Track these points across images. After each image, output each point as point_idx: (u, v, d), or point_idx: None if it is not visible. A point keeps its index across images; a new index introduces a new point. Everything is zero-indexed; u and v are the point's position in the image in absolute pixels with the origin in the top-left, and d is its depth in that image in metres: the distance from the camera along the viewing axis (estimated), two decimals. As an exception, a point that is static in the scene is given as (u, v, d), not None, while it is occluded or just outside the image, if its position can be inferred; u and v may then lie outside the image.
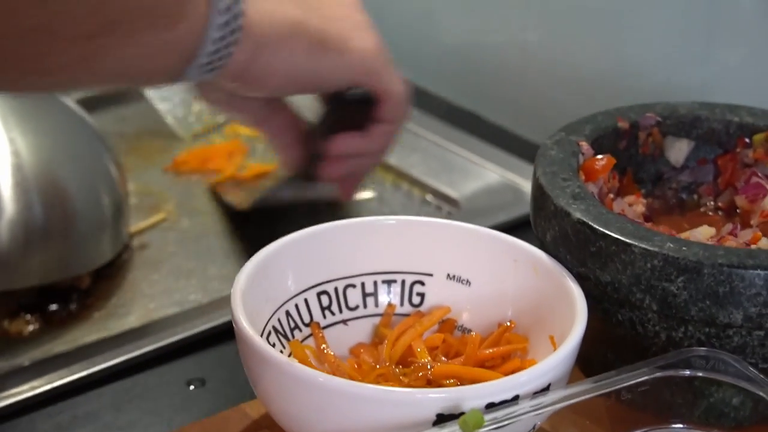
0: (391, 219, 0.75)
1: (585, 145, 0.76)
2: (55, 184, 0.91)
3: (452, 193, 1.05)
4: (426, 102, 1.18)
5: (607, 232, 0.68)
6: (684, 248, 0.66)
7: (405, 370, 0.69)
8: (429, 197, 1.06)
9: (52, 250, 0.90)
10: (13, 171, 0.89)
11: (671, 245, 0.67)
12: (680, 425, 0.68)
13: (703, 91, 0.99)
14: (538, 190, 0.73)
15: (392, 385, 0.67)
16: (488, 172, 1.06)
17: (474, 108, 1.18)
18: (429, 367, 0.68)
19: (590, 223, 0.69)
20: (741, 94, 0.92)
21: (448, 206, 1.04)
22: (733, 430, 0.69)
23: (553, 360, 0.64)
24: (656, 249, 0.66)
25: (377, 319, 0.75)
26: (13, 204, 0.88)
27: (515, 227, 0.96)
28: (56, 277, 0.91)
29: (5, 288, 0.89)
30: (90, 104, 1.16)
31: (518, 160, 1.07)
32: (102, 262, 0.94)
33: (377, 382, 0.68)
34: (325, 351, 0.71)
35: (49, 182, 0.90)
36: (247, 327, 0.65)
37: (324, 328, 0.73)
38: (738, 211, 0.78)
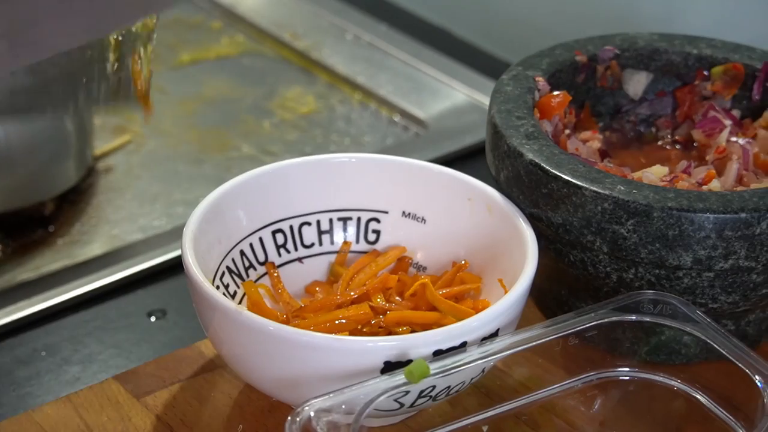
0: (346, 156, 0.75)
1: (541, 81, 0.75)
2: (16, 108, 0.90)
3: (419, 113, 1.04)
4: (396, 18, 1.17)
5: (558, 173, 0.68)
6: (635, 191, 0.66)
7: (358, 311, 0.70)
8: (396, 117, 1.05)
9: (15, 176, 0.90)
10: (-26, 98, 0.88)
11: (622, 188, 0.67)
12: (626, 368, 0.69)
13: (664, 22, 0.98)
14: (492, 129, 0.73)
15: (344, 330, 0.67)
16: (456, 92, 1.06)
17: (444, 23, 1.17)
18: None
19: (542, 164, 0.69)
20: (701, 25, 0.92)
21: (416, 127, 1.04)
22: (681, 369, 0.69)
23: (502, 305, 0.64)
24: (607, 192, 0.66)
25: (333, 257, 0.75)
26: (-26, 131, 0.88)
27: (481, 150, 0.96)
28: (19, 204, 0.91)
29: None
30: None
31: (487, 80, 1.06)
32: (66, 188, 0.94)
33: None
34: (280, 291, 0.71)
35: (10, 107, 0.90)
36: (197, 272, 0.65)
37: (279, 266, 0.73)
38: (695, 144, 0.78)
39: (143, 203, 0.95)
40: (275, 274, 0.72)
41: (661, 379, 0.68)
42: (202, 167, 0.99)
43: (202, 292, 0.64)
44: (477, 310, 0.67)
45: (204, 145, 1.02)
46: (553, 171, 0.68)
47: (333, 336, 0.63)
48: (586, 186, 0.67)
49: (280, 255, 0.73)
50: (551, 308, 0.75)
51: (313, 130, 1.04)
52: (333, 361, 0.62)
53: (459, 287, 0.71)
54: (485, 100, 1.03)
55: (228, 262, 0.71)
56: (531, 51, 0.79)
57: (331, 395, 0.59)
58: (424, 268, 0.74)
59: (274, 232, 0.73)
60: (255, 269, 0.72)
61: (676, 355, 0.71)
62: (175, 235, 0.88)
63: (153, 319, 0.80)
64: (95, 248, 0.90)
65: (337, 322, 0.67)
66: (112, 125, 1.03)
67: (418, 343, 0.62)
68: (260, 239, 0.73)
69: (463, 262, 0.72)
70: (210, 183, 0.91)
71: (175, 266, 0.84)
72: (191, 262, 0.66)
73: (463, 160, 0.96)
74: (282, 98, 1.08)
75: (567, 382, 0.68)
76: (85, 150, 0.96)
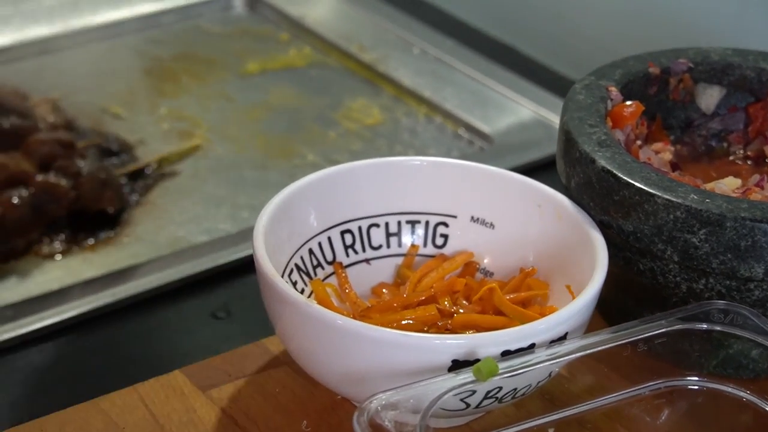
0: (417, 159, 0.75)
1: (614, 91, 0.75)
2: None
3: (485, 127, 1.04)
4: (462, 33, 1.18)
5: (630, 181, 0.68)
6: (707, 200, 0.66)
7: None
8: (461, 131, 1.05)
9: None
10: None
11: (695, 197, 0.66)
12: (695, 378, 0.68)
13: (737, 37, 0.98)
14: (565, 136, 0.73)
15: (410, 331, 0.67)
16: (522, 108, 1.06)
17: (510, 41, 1.17)
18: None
19: (614, 171, 0.68)
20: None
21: (480, 141, 1.04)
22: (750, 382, 0.69)
23: (571, 309, 0.64)
24: (679, 200, 0.66)
25: (400, 260, 0.75)
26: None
27: (546, 165, 0.96)
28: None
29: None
30: (124, 27, 1.17)
31: (552, 96, 1.06)
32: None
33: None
34: (348, 291, 0.71)
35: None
36: (268, 265, 0.65)
37: (347, 266, 0.73)
38: (767, 160, 0.77)
39: (209, 206, 0.96)
40: (343, 274, 0.72)
41: (729, 390, 0.67)
42: (268, 173, 1.00)
43: (273, 285, 0.64)
44: (544, 316, 0.67)
45: (270, 151, 1.03)
46: (626, 178, 0.68)
47: (401, 332, 0.62)
48: (659, 194, 0.67)
49: (347, 255, 0.74)
50: (616, 319, 0.75)
51: (377, 141, 1.05)
52: (400, 358, 0.62)
53: (526, 293, 0.71)
54: (550, 116, 1.04)
55: (297, 259, 0.71)
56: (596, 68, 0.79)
57: (398, 390, 0.59)
58: (491, 274, 0.74)
59: (342, 232, 0.73)
60: (323, 268, 0.72)
61: (743, 369, 0.70)
62: (240, 237, 0.89)
63: (217, 318, 0.81)
64: (160, 248, 0.90)
65: (404, 322, 0.68)
66: (180, 130, 1.04)
67: (487, 343, 0.62)
68: (329, 239, 0.73)
69: (530, 268, 0.72)
70: (275, 189, 0.91)
71: (240, 268, 0.85)
72: (262, 256, 0.66)
73: (527, 174, 0.96)
74: (347, 109, 1.09)
75: (633, 389, 0.67)
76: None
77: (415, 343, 0.62)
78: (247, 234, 0.87)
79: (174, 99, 1.09)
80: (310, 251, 0.72)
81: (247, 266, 0.84)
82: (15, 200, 0.89)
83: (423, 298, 0.70)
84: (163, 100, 1.08)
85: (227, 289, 0.84)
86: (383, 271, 0.75)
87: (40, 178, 0.91)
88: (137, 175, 0.98)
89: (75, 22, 1.17)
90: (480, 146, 1.03)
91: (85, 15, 1.18)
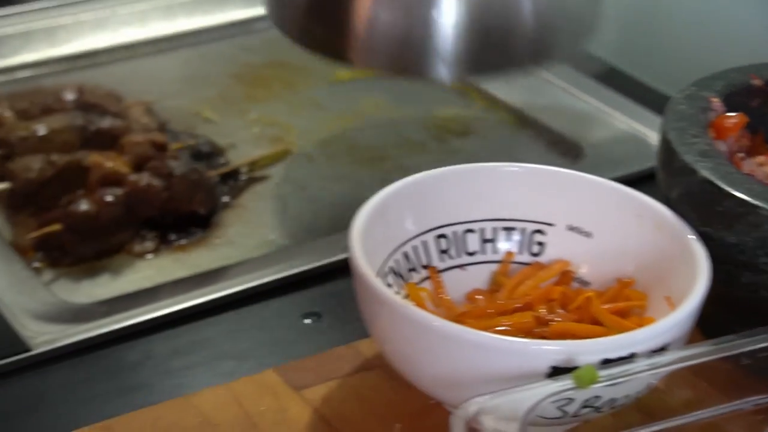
0: (515, 166, 0.75)
1: (716, 102, 0.74)
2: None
3: (577, 140, 1.03)
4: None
5: (734, 192, 0.67)
6: (813, 214, 0.65)
7: (520, 320, 0.69)
8: (553, 143, 1.05)
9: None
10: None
11: (801, 209, 0.65)
12: (800, 394, 0.67)
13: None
14: (665, 145, 0.72)
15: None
16: (615, 122, 1.05)
17: (603, 55, 1.16)
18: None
19: (717, 182, 0.67)
20: None
21: (573, 153, 1.03)
22: None
23: (672, 320, 0.63)
24: (785, 213, 0.65)
25: (495, 266, 0.74)
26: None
27: (639, 180, 0.95)
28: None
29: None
30: (216, 33, 1.18)
31: (647, 111, 1.05)
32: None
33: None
34: (442, 295, 0.71)
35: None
36: (365, 266, 0.65)
37: (441, 271, 0.73)
38: None
39: (299, 210, 0.96)
40: (437, 279, 0.72)
41: (835, 407, 0.66)
42: (357, 180, 1.00)
43: (370, 286, 0.64)
44: (642, 327, 0.66)
45: (359, 159, 1.03)
46: (729, 189, 0.67)
47: (501, 336, 0.62)
48: (763, 205, 0.66)
49: (442, 260, 0.73)
50: (715, 335, 0.74)
51: (468, 151, 1.04)
52: (499, 363, 0.61)
53: (624, 303, 0.70)
54: (645, 131, 1.03)
55: (391, 262, 0.71)
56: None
57: (495, 395, 0.59)
58: (588, 283, 0.73)
59: (438, 237, 0.73)
60: (417, 272, 0.72)
61: None
62: (330, 242, 0.88)
63: (307, 321, 0.81)
64: (251, 250, 0.91)
65: (499, 328, 0.67)
66: (271, 135, 1.05)
67: (586, 350, 0.61)
68: (424, 243, 0.73)
69: (629, 278, 0.71)
70: (365, 195, 0.92)
71: (330, 272, 0.85)
72: (359, 257, 0.66)
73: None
74: (438, 119, 1.08)
75: (733, 404, 0.66)
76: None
77: (515, 348, 0.61)
78: (337, 238, 0.87)
79: (264, 104, 1.10)
80: (405, 255, 0.72)
81: (337, 270, 0.84)
82: (109, 199, 0.90)
83: (519, 305, 0.69)
84: (253, 106, 1.09)
85: (317, 292, 0.84)
86: (477, 277, 0.74)
87: (133, 178, 0.92)
88: (228, 177, 0.98)
89: (168, 27, 1.19)
90: (572, 159, 1.03)
91: (178, 20, 1.19)
